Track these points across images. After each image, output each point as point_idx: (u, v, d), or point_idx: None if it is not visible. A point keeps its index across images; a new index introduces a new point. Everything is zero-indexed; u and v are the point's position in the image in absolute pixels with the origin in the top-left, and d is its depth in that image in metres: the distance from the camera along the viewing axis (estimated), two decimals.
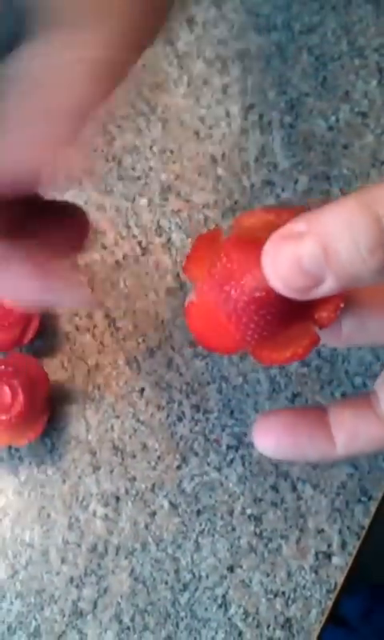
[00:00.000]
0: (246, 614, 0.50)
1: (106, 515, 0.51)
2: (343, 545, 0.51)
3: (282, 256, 0.30)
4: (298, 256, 0.30)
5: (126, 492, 0.52)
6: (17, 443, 0.50)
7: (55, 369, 0.53)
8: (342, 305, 0.34)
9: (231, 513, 0.51)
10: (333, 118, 0.59)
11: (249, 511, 0.51)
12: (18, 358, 0.51)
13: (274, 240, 0.31)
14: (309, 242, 0.29)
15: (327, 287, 0.30)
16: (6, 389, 0.49)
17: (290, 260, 0.30)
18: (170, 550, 0.51)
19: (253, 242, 0.32)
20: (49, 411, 0.52)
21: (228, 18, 0.61)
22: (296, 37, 0.61)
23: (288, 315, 0.33)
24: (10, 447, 0.52)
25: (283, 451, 0.38)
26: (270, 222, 0.33)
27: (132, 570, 0.50)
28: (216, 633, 0.49)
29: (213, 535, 0.51)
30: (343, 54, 0.61)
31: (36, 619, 0.50)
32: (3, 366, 0.50)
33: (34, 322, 0.53)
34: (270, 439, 0.38)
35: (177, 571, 0.50)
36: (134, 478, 0.52)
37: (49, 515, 0.51)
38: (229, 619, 0.50)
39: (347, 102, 0.59)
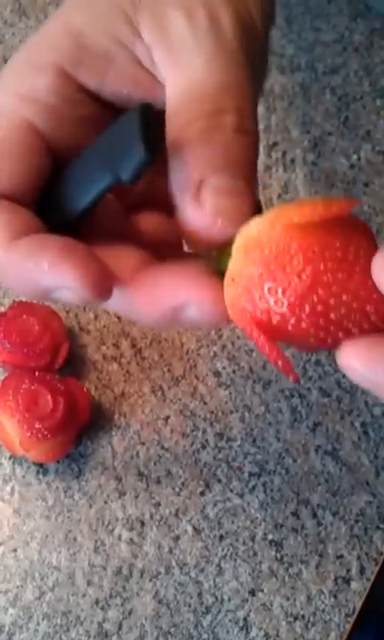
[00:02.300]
0: (267, 636, 0.54)
1: (131, 539, 0.56)
2: (362, 570, 0.56)
3: None
4: None
5: (151, 517, 0.57)
6: (40, 458, 0.55)
7: None
8: None
9: (253, 538, 0.56)
10: (354, 157, 0.65)
11: (270, 537, 0.56)
12: (71, 382, 0.57)
13: None
14: None
15: None
16: (49, 397, 0.54)
17: None
18: (193, 574, 0.55)
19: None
20: (77, 439, 0.57)
21: None
22: (319, 77, 0.67)
23: None
24: (37, 472, 0.57)
25: (367, 368, 0.30)
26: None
27: (156, 593, 0.55)
28: None
29: (235, 560, 0.56)
30: (365, 94, 0.67)
31: None
32: (56, 382, 0.55)
33: (63, 349, 0.58)
34: (358, 355, 0.31)
35: (200, 594, 0.55)
36: (159, 504, 0.57)
37: (75, 539, 0.56)
38: None
39: (369, 141, 0.65)
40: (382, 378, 0.30)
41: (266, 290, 0.31)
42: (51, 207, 0.36)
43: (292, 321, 0.31)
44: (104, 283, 0.32)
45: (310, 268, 0.31)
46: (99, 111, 0.36)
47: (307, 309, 0.31)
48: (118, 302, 0.34)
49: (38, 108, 0.34)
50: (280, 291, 0.31)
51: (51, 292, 0.33)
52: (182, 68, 0.33)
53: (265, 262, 0.31)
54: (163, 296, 0.33)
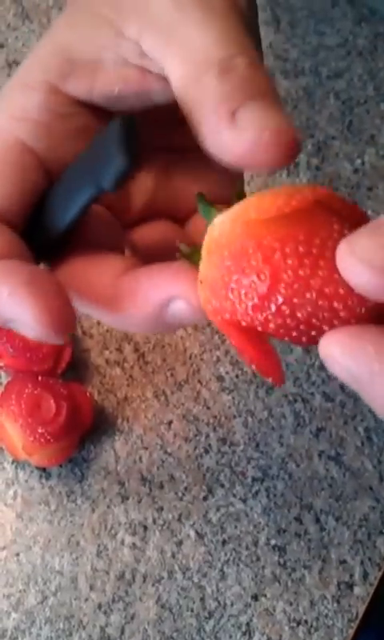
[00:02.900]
0: None
1: (134, 544, 0.57)
2: (365, 575, 0.56)
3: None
4: None
5: (154, 521, 0.57)
6: (43, 462, 0.56)
7: None
8: None
9: (256, 543, 0.57)
10: (358, 161, 0.65)
11: (273, 542, 0.57)
12: (74, 386, 0.57)
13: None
14: None
15: None
16: (52, 402, 0.55)
17: None
18: (195, 579, 0.56)
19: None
20: (80, 443, 0.57)
21: None
22: (323, 81, 0.68)
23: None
24: (40, 476, 0.58)
25: (349, 357, 0.29)
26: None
27: (159, 598, 0.56)
28: None
29: (238, 564, 0.56)
30: (369, 98, 0.67)
31: None
32: (59, 387, 0.56)
33: (65, 354, 0.59)
34: (339, 343, 0.30)
35: (202, 599, 0.56)
36: (162, 508, 0.57)
37: (78, 543, 0.57)
38: None
39: (373, 145, 0.66)
40: (361, 369, 0.29)
41: (229, 293, 0.31)
42: (40, 222, 0.36)
43: (259, 322, 0.31)
44: (62, 323, 0.32)
45: (269, 267, 0.30)
46: (93, 121, 0.36)
47: (273, 308, 0.30)
48: (101, 310, 0.34)
49: (30, 126, 0.35)
50: (243, 294, 0.30)
51: (7, 322, 0.32)
52: (177, 44, 0.34)
53: (225, 264, 0.31)
54: (146, 294, 0.33)
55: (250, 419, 0.59)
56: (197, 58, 0.33)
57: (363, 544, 0.57)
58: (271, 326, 0.31)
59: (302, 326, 0.30)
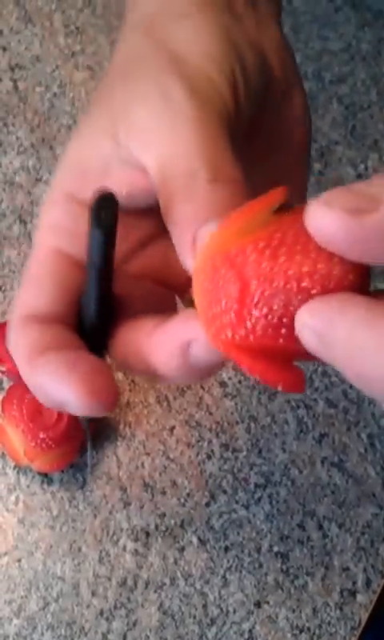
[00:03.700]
0: None
1: (136, 550, 0.57)
2: (367, 583, 0.56)
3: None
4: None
5: (156, 528, 0.57)
6: (44, 467, 0.56)
7: None
8: None
9: (258, 550, 0.57)
10: (362, 166, 0.65)
11: (276, 548, 0.57)
12: None
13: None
14: None
15: None
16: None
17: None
18: (198, 585, 0.56)
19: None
20: (83, 448, 0.57)
21: None
22: (326, 86, 0.68)
23: None
24: (42, 482, 0.58)
25: (317, 317, 0.29)
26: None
27: (161, 604, 0.56)
28: None
29: (240, 571, 0.56)
30: (372, 103, 0.68)
31: None
32: None
33: None
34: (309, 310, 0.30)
35: (205, 606, 0.56)
36: (164, 514, 0.57)
37: (80, 549, 0.57)
38: None
39: (376, 150, 0.66)
40: (336, 333, 0.28)
41: (214, 308, 0.31)
42: (82, 315, 0.39)
43: (248, 330, 0.31)
44: (103, 402, 0.35)
45: (235, 270, 0.30)
46: None
47: (252, 309, 0.30)
48: (147, 374, 0.37)
49: (62, 234, 0.39)
50: (224, 305, 0.31)
51: (62, 405, 0.35)
52: (152, 150, 0.37)
53: (205, 287, 0.32)
54: (164, 347, 0.35)
55: (252, 425, 0.59)
56: (165, 170, 0.36)
57: (366, 551, 0.57)
58: (258, 330, 0.31)
59: (285, 320, 0.30)
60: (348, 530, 0.57)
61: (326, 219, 0.28)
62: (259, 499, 0.58)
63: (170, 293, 0.41)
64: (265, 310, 0.30)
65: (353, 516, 0.57)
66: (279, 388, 0.32)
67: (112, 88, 0.40)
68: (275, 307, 0.30)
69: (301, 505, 0.58)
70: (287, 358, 0.32)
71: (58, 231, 0.39)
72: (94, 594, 0.56)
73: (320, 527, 0.57)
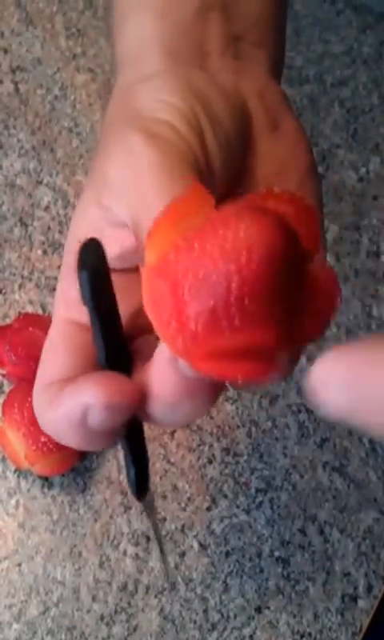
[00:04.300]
0: None
1: (137, 554, 0.56)
2: (369, 588, 0.56)
3: None
4: None
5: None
6: (45, 471, 0.56)
7: None
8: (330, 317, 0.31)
9: (259, 555, 0.57)
10: (363, 170, 0.65)
11: (277, 553, 0.57)
12: None
13: None
14: None
15: None
16: None
17: None
18: (198, 590, 0.56)
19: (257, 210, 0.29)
20: (82, 453, 0.57)
21: None
22: (328, 89, 0.68)
23: (275, 312, 0.30)
24: (42, 485, 0.57)
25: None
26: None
27: (161, 609, 0.55)
28: None
29: (241, 576, 0.56)
30: (374, 106, 0.67)
31: None
32: None
33: None
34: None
35: (205, 611, 0.55)
36: (165, 519, 0.57)
37: (80, 553, 0.56)
38: None
39: (377, 153, 0.66)
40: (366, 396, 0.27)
41: (166, 334, 0.31)
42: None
43: (192, 333, 0.30)
44: (128, 394, 0.35)
45: (163, 282, 0.30)
46: (115, 280, 0.40)
47: (187, 310, 0.29)
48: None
49: (70, 304, 0.40)
50: (165, 319, 0.30)
51: (86, 416, 0.35)
52: (123, 204, 0.38)
53: (152, 315, 0.31)
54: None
55: (253, 429, 0.59)
56: (136, 219, 0.37)
57: (367, 556, 0.57)
58: (200, 329, 0.29)
59: (219, 309, 0.29)
60: (349, 535, 0.57)
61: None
62: (260, 504, 0.58)
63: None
64: (197, 306, 0.29)
65: (354, 521, 0.57)
66: (239, 381, 0.30)
67: (92, 167, 0.42)
68: (205, 299, 0.29)
69: (302, 510, 0.58)
70: (247, 350, 0.30)
71: (66, 302, 0.40)
72: (94, 598, 0.56)
73: (321, 532, 0.57)
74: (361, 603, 0.56)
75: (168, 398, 0.35)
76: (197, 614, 0.55)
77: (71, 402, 0.35)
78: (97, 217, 0.40)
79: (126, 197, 0.38)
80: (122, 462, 0.58)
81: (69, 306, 0.40)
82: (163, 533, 0.57)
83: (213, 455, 0.58)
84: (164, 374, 0.35)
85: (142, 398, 0.36)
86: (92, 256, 0.34)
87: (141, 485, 0.42)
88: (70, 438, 0.36)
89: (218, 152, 0.41)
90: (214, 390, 0.35)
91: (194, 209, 0.31)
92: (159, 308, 0.30)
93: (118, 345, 0.38)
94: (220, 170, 0.41)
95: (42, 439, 0.55)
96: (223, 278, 0.29)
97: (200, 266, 0.29)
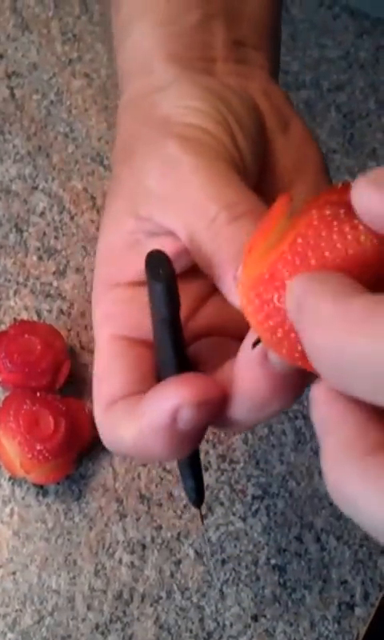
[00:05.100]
0: None
1: (132, 563, 0.56)
2: (366, 596, 0.55)
3: None
4: None
5: (152, 540, 0.56)
6: (40, 479, 0.55)
7: None
8: None
9: (256, 562, 0.56)
10: (360, 175, 0.65)
11: (273, 561, 0.56)
12: (72, 402, 0.57)
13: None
14: None
15: None
16: (50, 419, 0.54)
17: None
18: (194, 599, 0.55)
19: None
20: (79, 459, 0.57)
21: None
22: (324, 94, 0.67)
23: None
24: (37, 493, 0.57)
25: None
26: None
27: (157, 618, 0.55)
28: None
29: (237, 584, 0.56)
30: (371, 111, 0.67)
31: None
32: (58, 403, 0.55)
33: (64, 368, 0.58)
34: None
35: (201, 620, 0.55)
36: (160, 527, 0.57)
37: (75, 562, 0.56)
38: None
39: (374, 159, 0.66)
40: (308, 300, 0.28)
41: (279, 342, 0.31)
42: (160, 372, 0.40)
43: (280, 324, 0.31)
44: (216, 390, 0.35)
45: (278, 294, 0.31)
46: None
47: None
48: None
49: (113, 321, 0.41)
50: (280, 334, 0.31)
51: (177, 413, 0.35)
52: (170, 213, 0.39)
53: (260, 327, 0.32)
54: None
55: (249, 436, 0.59)
56: (189, 226, 0.38)
57: (364, 564, 0.56)
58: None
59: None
60: (346, 542, 0.57)
61: (374, 199, 0.28)
62: (256, 511, 0.57)
63: (236, 342, 0.41)
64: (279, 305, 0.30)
65: (351, 528, 0.57)
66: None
67: (120, 178, 0.43)
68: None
69: (298, 517, 0.57)
70: None
71: (109, 320, 0.41)
72: (89, 607, 0.55)
73: (318, 540, 0.57)
74: (358, 611, 0.55)
75: (260, 394, 0.35)
76: (192, 622, 0.55)
77: (157, 408, 0.35)
78: (133, 228, 0.40)
79: (173, 205, 0.39)
80: (178, 472, 0.58)
81: (111, 323, 0.41)
82: (159, 541, 0.56)
83: (209, 462, 0.58)
84: (255, 372, 0.35)
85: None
86: (164, 268, 0.35)
87: (200, 494, 0.45)
88: (157, 447, 0.36)
89: (248, 149, 0.41)
90: (302, 385, 0.35)
91: (274, 218, 0.32)
92: (270, 321, 0.31)
93: (183, 354, 0.39)
94: (251, 166, 0.42)
95: (38, 447, 0.54)
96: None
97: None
